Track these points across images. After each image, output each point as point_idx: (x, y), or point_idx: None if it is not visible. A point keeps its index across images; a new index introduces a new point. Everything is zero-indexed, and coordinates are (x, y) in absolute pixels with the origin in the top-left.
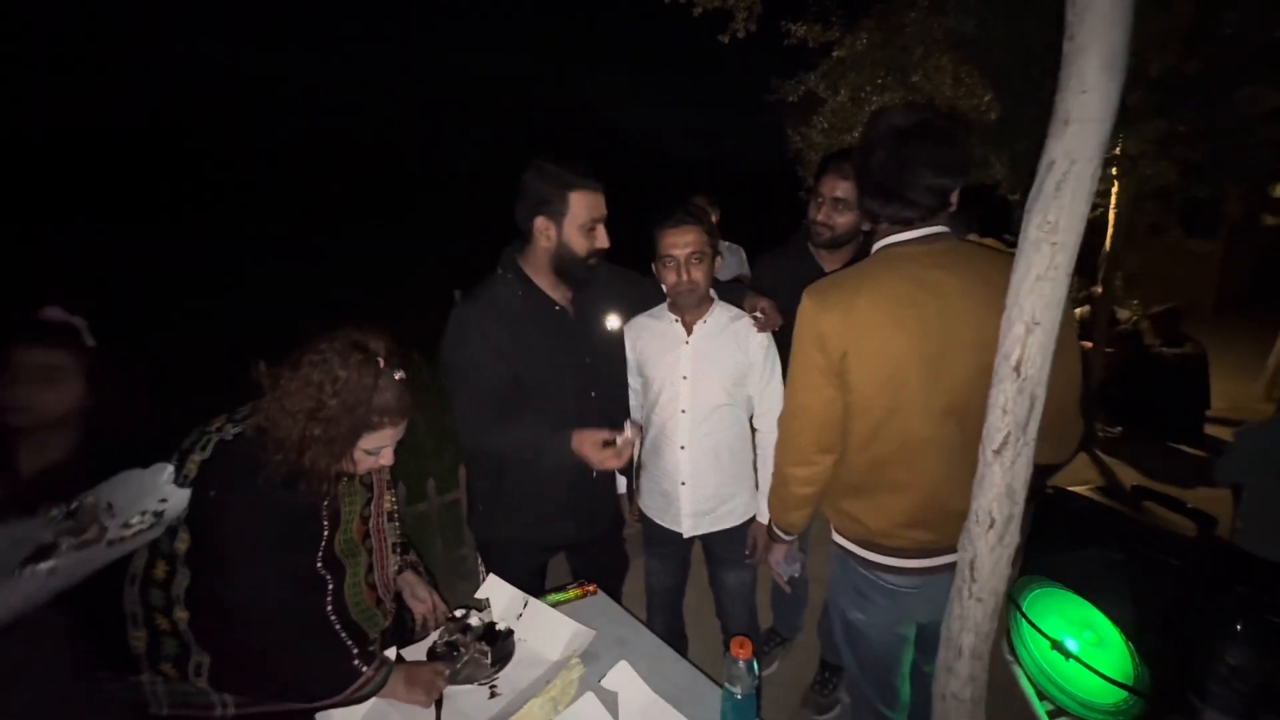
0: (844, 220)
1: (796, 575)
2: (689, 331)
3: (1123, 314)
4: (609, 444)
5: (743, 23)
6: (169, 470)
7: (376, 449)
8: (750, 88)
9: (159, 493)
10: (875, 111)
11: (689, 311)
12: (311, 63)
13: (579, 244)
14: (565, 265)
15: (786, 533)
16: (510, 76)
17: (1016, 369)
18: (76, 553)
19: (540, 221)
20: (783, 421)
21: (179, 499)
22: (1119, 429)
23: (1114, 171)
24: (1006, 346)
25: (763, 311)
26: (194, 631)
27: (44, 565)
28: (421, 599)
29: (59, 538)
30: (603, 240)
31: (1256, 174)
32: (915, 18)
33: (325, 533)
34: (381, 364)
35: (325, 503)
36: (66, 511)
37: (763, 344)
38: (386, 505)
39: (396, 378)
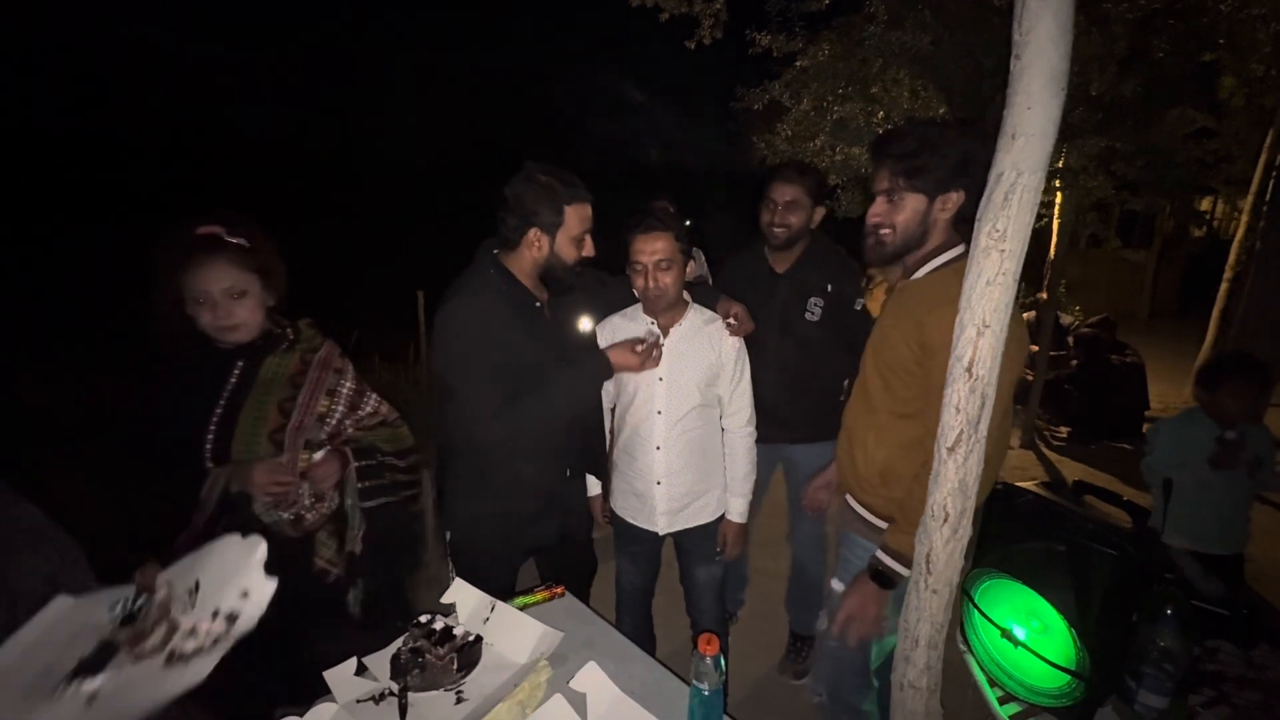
0: (795, 219)
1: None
2: (665, 334)
3: (1065, 318)
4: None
5: (709, 30)
6: (263, 548)
7: (201, 293)
8: (716, 95)
9: (245, 578)
10: (965, 129)
11: (664, 314)
12: (262, 55)
13: (569, 254)
14: (553, 274)
15: (908, 564)
16: (473, 75)
17: (969, 370)
18: (131, 668)
19: (534, 233)
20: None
21: (262, 594)
22: (1065, 430)
23: (1058, 184)
24: (959, 349)
25: (736, 317)
26: None
27: (88, 687)
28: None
29: (119, 640)
30: (590, 249)
31: (1185, 189)
32: (874, 31)
33: (226, 392)
34: (188, 225)
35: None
36: (128, 609)
37: (734, 346)
38: (320, 409)
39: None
